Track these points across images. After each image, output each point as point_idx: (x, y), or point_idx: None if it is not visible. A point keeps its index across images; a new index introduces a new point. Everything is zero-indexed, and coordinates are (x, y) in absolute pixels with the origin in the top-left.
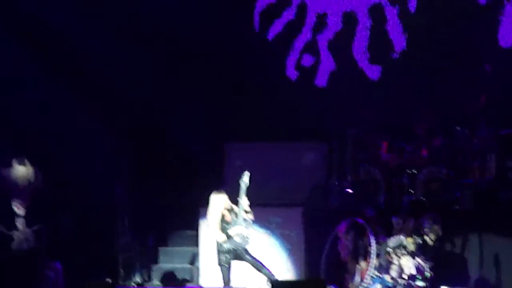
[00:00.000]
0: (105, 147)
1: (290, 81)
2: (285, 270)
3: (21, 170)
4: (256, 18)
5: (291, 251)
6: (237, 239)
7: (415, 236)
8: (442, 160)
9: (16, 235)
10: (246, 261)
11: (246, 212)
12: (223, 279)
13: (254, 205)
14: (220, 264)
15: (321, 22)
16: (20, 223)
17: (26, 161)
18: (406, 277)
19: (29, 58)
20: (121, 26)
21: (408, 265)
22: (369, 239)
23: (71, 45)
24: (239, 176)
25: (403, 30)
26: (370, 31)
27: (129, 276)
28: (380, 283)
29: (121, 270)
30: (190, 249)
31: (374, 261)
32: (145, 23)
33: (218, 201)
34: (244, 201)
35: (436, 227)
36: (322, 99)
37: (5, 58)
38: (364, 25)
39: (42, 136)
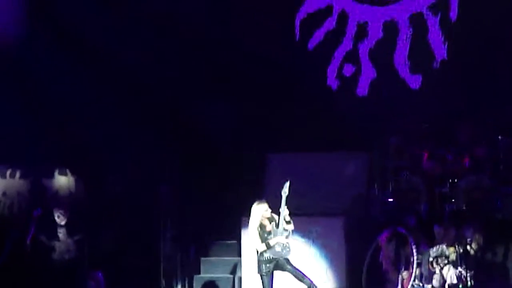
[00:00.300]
0: (148, 158)
1: (331, 90)
2: (326, 280)
3: (63, 180)
4: (297, 27)
5: (332, 261)
6: (277, 248)
7: (457, 245)
8: (484, 169)
9: (57, 245)
10: (287, 270)
11: (287, 222)
12: None
13: (295, 214)
14: (261, 274)
15: (362, 31)
16: (61, 233)
17: (68, 171)
18: (447, 287)
19: (72, 66)
20: (159, 31)
21: (450, 274)
22: (411, 249)
23: (114, 54)
24: (280, 186)
25: (444, 39)
26: (411, 40)
27: (170, 286)
28: None
29: (163, 280)
30: (231, 259)
31: (415, 270)
32: (186, 30)
33: (259, 211)
34: (284, 211)
35: (477, 236)
36: (363, 108)
37: (48, 67)
38: (405, 34)
39: (84, 146)
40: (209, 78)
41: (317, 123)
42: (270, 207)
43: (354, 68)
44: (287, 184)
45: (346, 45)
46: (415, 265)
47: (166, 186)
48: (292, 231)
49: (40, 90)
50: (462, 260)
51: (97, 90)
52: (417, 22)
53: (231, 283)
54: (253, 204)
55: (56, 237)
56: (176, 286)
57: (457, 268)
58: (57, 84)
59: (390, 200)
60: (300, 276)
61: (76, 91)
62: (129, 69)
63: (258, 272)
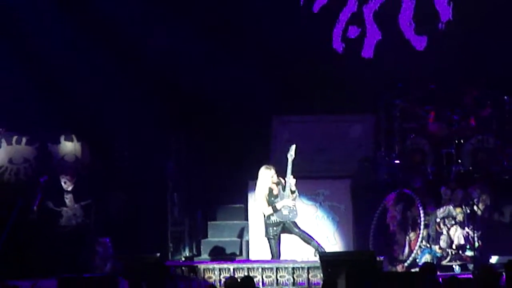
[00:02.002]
0: (155, 123)
1: (336, 53)
2: (334, 242)
3: (69, 146)
4: None
5: (340, 223)
6: (284, 212)
7: (464, 206)
8: (490, 130)
9: (64, 211)
10: (294, 233)
11: (292, 191)
12: (272, 252)
13: (302, 177)
14: (268, 237)
15: None
16: (68, 199)
17: (74, 137)
18: (455, 247)
19: (79, 35)
20: (176, 13)
21: (457, 235)
22: (418, 210)
23: (123, 27)
24: (287, 149)
25: (449, 0)
26: (416, 1)
27: (178, 250)
28: (429, 253)
29: (170, 245)
30: (238, 222)
31: (423, 232)
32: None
33: (266, 175)
34: (290, 174)
35: (484, 196)
36: (369, 71)
37: (59, 37)
38: None
39: (90, 113)
40: (212, 47)
41: (323, 85)
42: (276, 170)
43: (359, 30)
44: (293, 147)
45: (351, 7)
46: (422, 226)
47: (174, 152)
48: (298, 194)
49: (48, 57)
50: (469, 220)
51: (105, 60)
52: None
53: (238, 247)
54: (259, 167)
55: (63, 203)
56: (184, 250)
57: (464, 229)
58: (65, 52)
59: (397, 162)
60: (307, 239)
61: (84, 60)
62: (136, 40)
63: (266, 236)
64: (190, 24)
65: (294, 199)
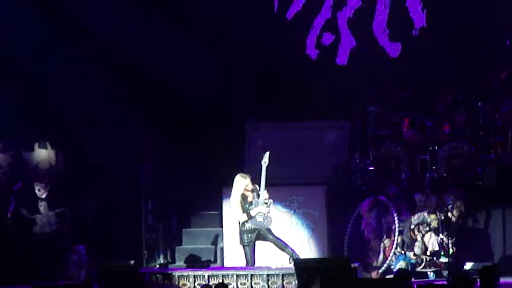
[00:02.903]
0: (129, 130)
1: (310, 60)
2: (308, 249)
3: (43, 153)
4: None
5: (314, 230)
6: (259, 219)
7: (438, 213)
8: (464, 136)
9: (38, 218)
10: (269, 240)
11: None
12: (246, 259)
13: (276, 184)
14: (243, 244)
15: (340, 0)
16: (42, 207)
17: (48, 144)
18: (429, 254)
19: (50, 37)
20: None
21: (432, 241)
22: (392, 217)
23: (95, 24)
24: (261, 155)
25: (423, 6)
26: (390, 9)
27: (152, 257)
28: (404, 260)
29: (145, 252)
30: (213, 229)
31: (397, 238)
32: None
33: (241, 183)
34: (264, 183)
35: (459, 203)
36: (343, 77)
37: (28, 38)
38: (384, 2)
39: (64, 120)
40: (186, 51)
41: (297, 92)
42: (251, 178)
43: (333, 37)
44: (267, 154)
45: (325, 14)
46: (396, 233)
47: (148, 159)
48: (272, 201)
49: (20, 62)
50: (444, 227)
51: (78, 64)
52: None
53: (213, 254)
54: (233, 174)
55: (37, 211)
56: (158, 257)
57: (438, 235)
58: (37, 57)
59: (371, 168)
60: (282, 245)
61: (56, 64)
62: (112, 43)
63: (240, 243)
64: (166, 29)
65: (268, 206)
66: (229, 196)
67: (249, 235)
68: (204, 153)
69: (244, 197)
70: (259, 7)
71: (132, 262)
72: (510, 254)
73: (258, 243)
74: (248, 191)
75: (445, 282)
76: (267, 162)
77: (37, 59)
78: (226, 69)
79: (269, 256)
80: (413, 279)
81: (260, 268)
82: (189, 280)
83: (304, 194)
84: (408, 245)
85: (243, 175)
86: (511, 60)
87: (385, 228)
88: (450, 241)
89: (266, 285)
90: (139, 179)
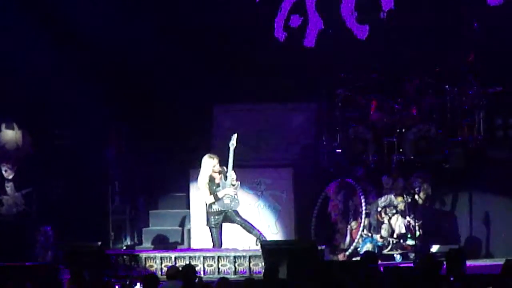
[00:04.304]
0: (95, 111)
1: (278, 42)
2: (275, 231)
3: (10, 134)
4: None
5: (281, 212)
6: (226, 200)
7: (405, 195)
8: (432, 119)
9: (5, 199)
10: (236, 222)
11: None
12: (213, 240)
13: (244, 166)
14: (210, 226)
15: None
16: (9, 188)
17: (15, 125)
18: (396, 236)
19: (25, 22)
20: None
21: (398, 224)
22: (359, 199)
23: (67, 14)
24: (228, 137)
25: None
26: None
27: (119, 239)
28: (371, 242)
29: (112, 233)
30: (180, 211)
31: (364, 221)
32: None
33: (208, 164)
34: (232, 164)
35: (425, 185)
36: (311, 60)
37: None
38: None
39: (31, 101)
40: (153, 35)
41: (265, 74)
42: (219, 159)
43: (301, 20)
44: (235, 136)
45: None
46: (363, 215)
47: (115, 140)
48: (240, 183)
49: None
50: (410, 209)
51: (47, 46)
52: None
53: (180, 235)
54: (201, 156)
55: (4, 192)
56: (125, 239)
57: (405, 218)
58: (6, 39)
59: (338, 151)
60: (249, 227)
61: (25, 47)
62: (80, 27)
63: (207, 224)
64: (133, 14)
65: (236, 188)
66: (196, 178)
67: (216, 217)
68: (171, 135)
69: (211, 179)
70: None
71: (99, 243)
72: (477, 237)
73: (225, 225)
74: (216, 172)
75: (411, 265)
76: (235, 144)
77: (4, 42)
78: (193, 50)
79: (236, 238)
80: (379, 262)
81: (227, 250)
82: (155, 261)
83: (271, 176)
84: (375, 227)
85: (211, 155)
86: (478, 43)
87: (352, 210)
88: (416, 224)
89: (233, 267)
90: (106, 161)
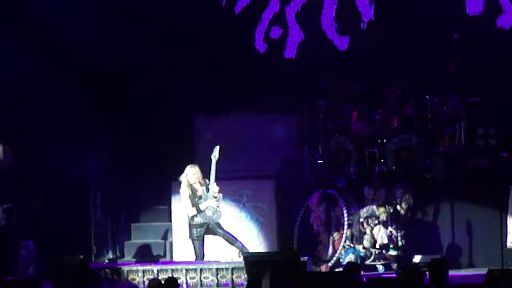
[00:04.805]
0: (77, 124)
1: (258, 53)
2: (258, 243)
3: None
4: None
5: (263, 224)
6: (208, 213)
7: (387, 206)
8: (412, 129)
9: None
10: (218, 234)
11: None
12: (196, 253)
13: (225, 178)
14: (192, 239)
15: None
16: None
17: None
18: (378, 247)
19: (2, 35)
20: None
21: (381, 234)
22: (341, 210)
23: (47, 22)
24: (210, 149)
25: (371, 0)
26: (338, 2)
27: (101, 252)
28: (353, 253)
29: (94, 247)
30: (162, 224)
31: (346, 231)
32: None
33: (190, 176)
34: (214, 176)
35: (407, 196)
36: (292, 71)
37: None
38: None
39: (11, 114)
40: (136, 45)
41: (246, 86)
42: (200, 171)
43: (281, 31)
44: (217, 148)
45: (273, 7)
46: (345, 226)
47: (96, 153)
48: (221, 195)
49: None
50: (393, 220)
51: (26, 58)
52: None
53: (162, 248)
54: (183, 168)
55: None
56: (107, 252)
57: (387, 228)
58: None
59: (320, 161)
60: (231, 239)
61: (4, 59)
62: (61, 40)
63: (190, 237)
64: (114, 24)
65: (218, 200)
66: (178, 191)
67: (198, 229)
68: (153, 147)
69: (193, 191)
70: (207, 2)
71: (81, 256)
72: (459, 246)
73: (208, 237)
74: (198, 182)
75: (394, 275)
76: (217, 156)
77: None
78: (174, 62)
79: (218, 250)
80: (362, 272)
81: (209, 262)
82: (138, 274)
83: (253, 188)
84: (357, 238)
85: (191, 165)
86: (458, 53)
87: (334, 221)
88: (399, 234)
89: (216, 279)
90: (88, 174)
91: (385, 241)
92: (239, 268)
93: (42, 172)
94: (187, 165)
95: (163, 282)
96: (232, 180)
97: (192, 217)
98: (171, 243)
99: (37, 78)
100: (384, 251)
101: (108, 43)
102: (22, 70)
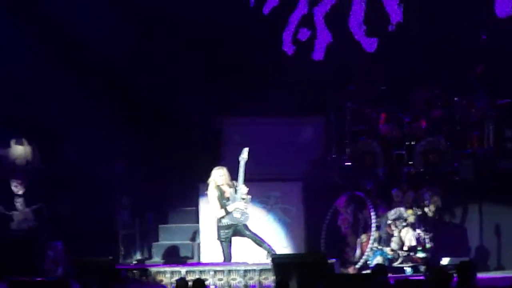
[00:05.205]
0: (105, 125)
1: (286, 55)
2: (285, 245)
3: (19, 150)
4: None
5: (291, 226)
6: (236, 214)
7: (415, 208)
8: (441, 131)
9: (15, 215)
10: (246, 236)
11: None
12: (224, 254)
13: (253, 180)
14: (220, 240)
15: None
16: (19, 203)
17: (24, 141)
18: (406, 249)
19: (28, 39)
20: (120, 8)
21: (409, 237)
22: (369, 212)
23: (72, 27)
24: (238, 151)
25: (400, 1)
26: (366, 4)
27: (129, 253)
28: (381, 255)
29: (122, 248)
30: (190, 225)
31: (374, 233)
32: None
33: (218, 177)
34: (242, 178)
35: (435, 198)
36: (319, 73)
37: (3, 38)
38: None
39: (40, 116)
40: (163, 49)
41: (274, 88)
42: (228, 173)
43: (309, 33)
44: (246, 150)
45: (301, 9)
46: (373, 228)
47: (124, 154)
48: (250, 197)
49: None
50: (420, 222)
51: (54, 62)
52: None
53: (190, 250)
54: (211, 170)
55: (14, 207)
56: (135, 253)
57: (415, 230)
58: (13, 54)
59: (348, 164)
60: (259, 241)
61: (31, 63)
62: (89, 42)
63: (217, 238)
64: (141, 29)
65: (246, 202)
66: (205, 191)
67: (226, 231)
68: (181, 149)
69: (221, 193)
70: (235, 2)
71: (110, 258)
72: (487, 249)
73: (235, 239)
74: (226, 184)
75: (422, 278)
76: (246, 158)
77: (10, 58)
78: (202, 65)
79: (246, 252)
80: (390, 275)
81: (237, 263)
82: (165, 276)
83: (280, 190)
84: (385, 240)
85: (219, 167)
86: (487, 55)
87: (362, 223)
88: (427, 236)
89: (243, 281)
90: (116, 176)
91: (413, 243)
92: (266, 270)
93: (71, 174)
94: (214, 167)
95: (190, 283)
96: (259, 182)
97: (220, 219)
98: (199, 244)
99: (67, 83)
100: (412, 253)
101: (136, 47)
102: (49, 73)
